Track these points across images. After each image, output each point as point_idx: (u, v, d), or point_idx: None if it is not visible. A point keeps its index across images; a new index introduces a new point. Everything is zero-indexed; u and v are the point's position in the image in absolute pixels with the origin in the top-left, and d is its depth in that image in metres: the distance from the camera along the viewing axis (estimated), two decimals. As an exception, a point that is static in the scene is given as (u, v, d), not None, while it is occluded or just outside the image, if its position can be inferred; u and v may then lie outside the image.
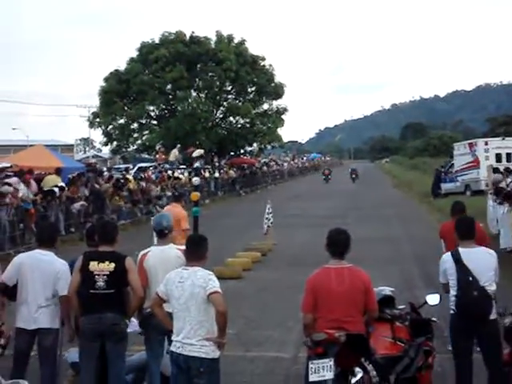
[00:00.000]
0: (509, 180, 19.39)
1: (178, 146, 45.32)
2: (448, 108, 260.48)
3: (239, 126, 56.20)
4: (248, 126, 55.76)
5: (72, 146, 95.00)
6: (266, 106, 57.34)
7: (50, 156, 26.37)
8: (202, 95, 54.70)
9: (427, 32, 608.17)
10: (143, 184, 30.89)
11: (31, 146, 39.84)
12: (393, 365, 6.61)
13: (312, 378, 5.97)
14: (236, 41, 55.08)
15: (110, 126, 54.04)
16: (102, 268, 6.68)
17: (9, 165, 22.82)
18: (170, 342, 6.24)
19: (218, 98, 55.01)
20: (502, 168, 23.90)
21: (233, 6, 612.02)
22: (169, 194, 31.58)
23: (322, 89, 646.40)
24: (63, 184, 22.65)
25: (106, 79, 53.21)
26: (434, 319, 7.39)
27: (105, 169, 35.77)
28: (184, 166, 41.22)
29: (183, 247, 6.60)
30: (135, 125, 54.84)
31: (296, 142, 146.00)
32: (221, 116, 56.15)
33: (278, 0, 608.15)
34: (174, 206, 13.47)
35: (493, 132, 70.39)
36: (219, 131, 55.10)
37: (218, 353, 6.02)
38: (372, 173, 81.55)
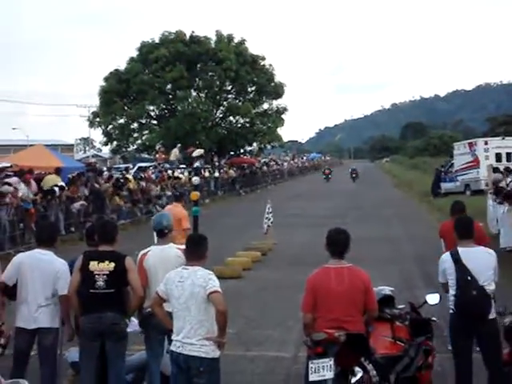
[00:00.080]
0: (509, 179, 19.40)
1: (179, 145, 45.33)
2: (448, 108, 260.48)
3: (239, 125, 56.20)
4: (248, 125, 55.76)
5: (72, 145, 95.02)
6: (265, 106, 57.42)
7: (50, 156, 26.37)
8: (202, 95, 54.70)
9: (427, 32, 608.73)
10: (143, 184, 30.88)
11: (31, 145, 39.86)
12: (393, 364, 6.61)
13: (312, 377, 5.98)
14: (236, 40, 55.10)
15: (110, 126, 54.04)
16: (101, 268, 6.69)
17: (9, 164, 22.84)
18: (170, 341, 6.24)
19: (217, 97, 55.01)
20: (501, 167, 23.92)
21: (233, 5, 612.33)
22: (169, 193, 31.60)
23: (322, 88, 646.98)
24: (63, 184, 22.65)
25: (106, 79, 53.21)
26: (433, 319, 7.39)
27: (105, 168, 35.77)
28: (184, 166, 41.23)
29: (183, 247, 6.60)
30: (135, 124, 54.85)
31: (296, 141, 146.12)
32: (221, 116, 56.16)
33: (277, 0, 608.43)
34: (175, 205, 13.52)
35: (493, 131, 70.31)
36: (219, 131, 55.10)
37: (218, 352, 6.02)
38: (372, 172, 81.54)
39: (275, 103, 57.25)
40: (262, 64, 55.94)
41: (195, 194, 15.16)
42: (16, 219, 19.44)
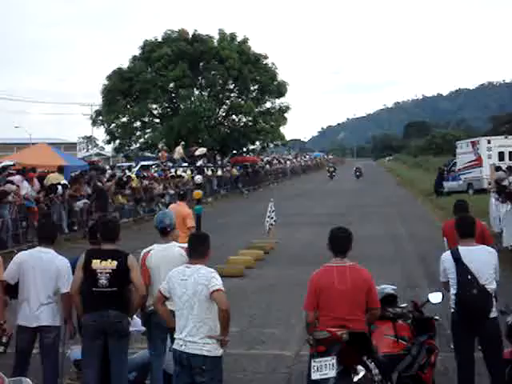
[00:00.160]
0: (511, 178, 19.39)
1: (182, 143, 45.36)
2: (451, 106, 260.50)
3: (242, 124, 56.18)
4: (251, 124, 55.73)
5: (75, 144, 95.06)
6: (268, 105, 57.35)
7: (53, 154, 26.39)
8: (205, 93, 54.69)
9: (430, 31, 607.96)
10: (146, 182, 30.91)
11: (34, 144, 39.92)
12: (395, 363, 6.61)
13: (314, 376, 5.98)
14: (239, 39, 55.07)
15: (113, 125, 54.03)
16: (104, 266, 6.69)
17: (12, 163, 22.86)
18: (173, 339, 6.24)
19: (220, 96, 55.00)
20: (504, 166, 23.92)
21: (235, 4, 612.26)
22: (171, 192, 31.64)
23: (325, 87, 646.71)
24: (66, 182, 22.68)
25: (109, 77, 53.21)
26: (436, 317, 7.39)
27: (107, 167, 35.82)
28: (186, 164, 41.25)
29: (186, 245, 6.60)
30: (138, 123, 54.82)
31: (299, 140, 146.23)
32: (223, 114, 56.15)
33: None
34: (179, 204, 13.53)
35: (496, 130, 70.24)
36: (222, 129, 55.13)
37: (220, 351, 6.02)
38: (375, 171, 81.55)
39: (278, 102, 57.28)
40: (264, 63, 55.89)
41: (198, 193, 15.16)
42: (19, 217, 19.48)
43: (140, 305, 7.02)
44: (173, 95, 54.46)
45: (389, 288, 7.32)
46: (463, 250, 6.79)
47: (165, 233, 7.48)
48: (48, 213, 20.80)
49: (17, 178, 20.23)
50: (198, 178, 17.43)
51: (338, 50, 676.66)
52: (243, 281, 14.69)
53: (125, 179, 28.80)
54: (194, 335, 5.94)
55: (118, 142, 55.24)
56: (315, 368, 5.98)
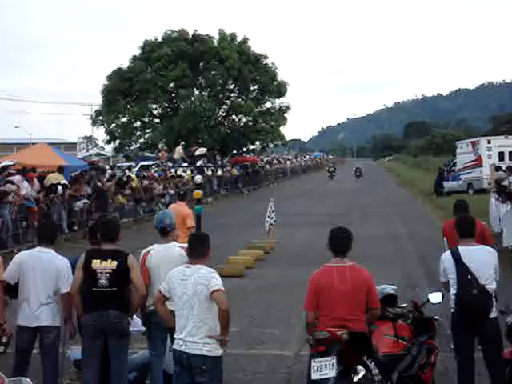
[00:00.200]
0: (511, 178, 19.39)
1: (182, 143, 45.37)
2: (451, 106, 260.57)
3: (242, 124, 56.19)
4: (251, 124, 55.73)
5: (75, 144, 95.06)
6: (268, 105, 57.35)
7: (53, 154, 26.39)
8: (205, 93, 54.69)
9: (430, 31, 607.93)
10: (146, 182, 30.92)
11: (34, 144, 39.92)
12: (395, 363, 6.61)
13: (314, 376, 5.98)
14: (239, 39, 55.07)
15: (113, 125, 54.04)
16: (104, 266, 6.69)
17: (12, 163, 22.86)
18: (173, 339, 6.24)
19: (220, 96, 55.01)
20: (504, 166, 23.92)
21: (235, 4, 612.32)
22: (171, 192, 31.64)
23: (325, 87, 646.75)
24: (66, 182, 22.68)
25: (109, 77, 53.20)
26: (436, 317, 7.39)
27: (108, 167, 35.84)
28: (186, 164, 41.25)
29: (186, 245, 6.60)
30: (138, 123, 54.83)
31: (299, 140, 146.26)
32: (223, 114, 56.16)
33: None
34: (180, 204, 13.52)
35: (496, 130, 70.25)
36: (222, 129, 55.14)
37: (220, 351, 6.02)
38: (375, 171, 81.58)
39: (278, 102, 57.27)
40: (264, 63, 55.88)
41: (198, 193, 15.16)
42: (19, 217, 19.48)
43: (140, 305, 7.02)
44: (173, 95, 54.47)
45: (389, 288, 7.32)
46: (463, 250, 6.79)
47: (165, 233, 7.48)
48: (48, 213, 20.80)
49: (17, 178, 20.24)
50: (198, 178, 17.44)
51: (338, 49, 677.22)
52: (243, 281, 14.69)
53: (125, 179, 28.81)
54: (194, 335, 5.94)
55: (117, 142, 55.26)
56: (315, 368, 5.98)
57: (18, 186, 19.57)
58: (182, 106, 53.17)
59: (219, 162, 48.84)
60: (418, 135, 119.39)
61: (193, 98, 53.18)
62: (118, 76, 52.69)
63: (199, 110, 51.59)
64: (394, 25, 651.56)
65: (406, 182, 52.11)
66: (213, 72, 53.57)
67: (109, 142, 56.66)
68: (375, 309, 6.37)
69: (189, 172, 38.16)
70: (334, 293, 6.16)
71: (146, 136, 54.55)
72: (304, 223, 25.48)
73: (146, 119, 54.97)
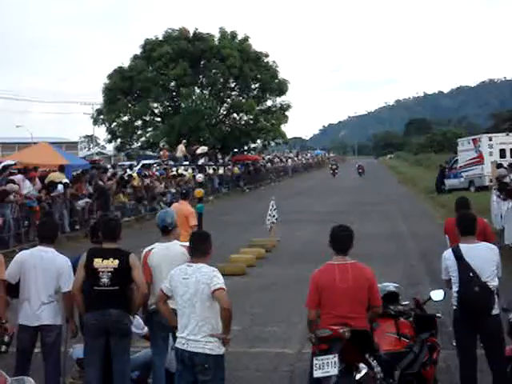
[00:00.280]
0: (513, 175, 19.37)
1: (184, 141, 45.37)
2: (452, 104, 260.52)
3: (243, 122, 56.15)
4: (252, 122, 55.69)
5: (76, 143, 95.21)
6: (269, 103, 57.29)
7: (54, 153, 26.36)
8: (206, 92, 54.68)
9: (431, 28, 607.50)
10: (147, 181, 30.90)
11: (35, 143, 39.94)
12: (397, 361, 6.61)
13: (316, 373, 5.98)
14: (239, 37, 55.02)
15: (114, 123, 54.01)
16: (106, 265, 6.69)
17: (13, 162, 22.84)
18: (175, 338, 6.24)
19: (221, 94, 54.99)
20: (506, 163, 23.89)
21: (236, 3, 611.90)
22: (173, 190, 31.63)
23: (326, 85, 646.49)
24: (67, 181, 22.68)
25: (110, 76, 53.17)
26: (438, 315, 7.39)
27: (109, 166, 35.83)
28: (188, 163, 41.26)
29: (187, 244, 6.61)
30: (139, 122, 54.84)
31: (300, 138, 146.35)
32: (224, 113, 56.15)
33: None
34: (182, 203, 13.53)
35: (497, 127, 70.12)
36: (223, 128, 55.13)
37: (222, 349, 6.02)
38: (376, 169, 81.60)
39: (279, 100, 57.21)
40: (265, 61, 55.84)
41: (200, 191, 15.20)
42: (20, 217, 19.49)
43: (142, 303, 7.01)
44: (174, 94, 54.44)
45: (391, 285, 7.32)
46: (464, 247, 6.79)
47: (166, 231, 7.48)
48: (50, 212, 20.80)
49: (18, 177, 20.23)
50: (200, 177, 17.51)
51: (338, 47, 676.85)
52: (245, 279, 14.69)
53: (126, 178, 28.79)
54: (196, 334, 5.94)
55: (119, 140, 55.25)
56: (317, 366, 5.98)
57: (19, 185, 19.57)
58: (183, 104, 53.13)
59: (220, 161, 48.83)
60: (419, 133, 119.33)
61: (194, 97, 53.13)
62: (118, 75, 52.65)
63: (200, 108, 51.57)
64: (395, 22, 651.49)
65: (408, 180, 52.09)
66: (214, 70, 53.55)
67: (110, 141, 56.71)
68: (377, 306, 6.37)
69: (190, 171, 38.18)
70: (336, 291, 6.16)
71: (148, 135, 54.57)
72: (305, 221, 25.47)
73: (147, 118, 54.96)
